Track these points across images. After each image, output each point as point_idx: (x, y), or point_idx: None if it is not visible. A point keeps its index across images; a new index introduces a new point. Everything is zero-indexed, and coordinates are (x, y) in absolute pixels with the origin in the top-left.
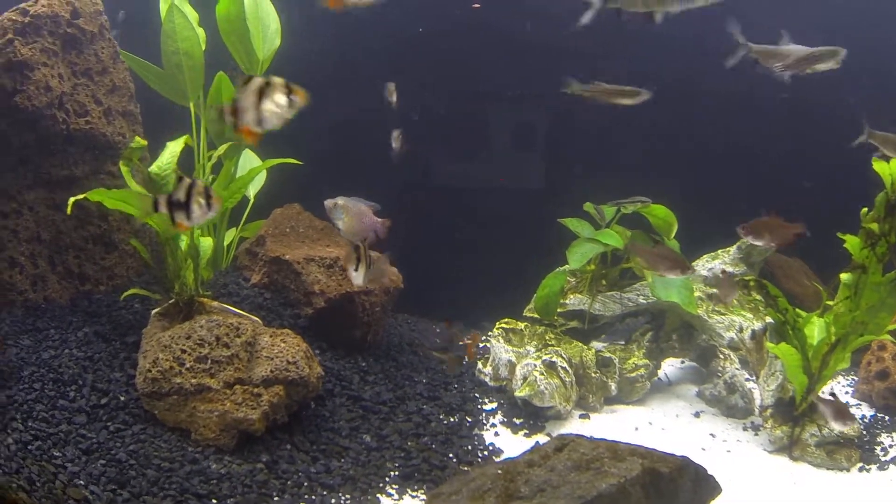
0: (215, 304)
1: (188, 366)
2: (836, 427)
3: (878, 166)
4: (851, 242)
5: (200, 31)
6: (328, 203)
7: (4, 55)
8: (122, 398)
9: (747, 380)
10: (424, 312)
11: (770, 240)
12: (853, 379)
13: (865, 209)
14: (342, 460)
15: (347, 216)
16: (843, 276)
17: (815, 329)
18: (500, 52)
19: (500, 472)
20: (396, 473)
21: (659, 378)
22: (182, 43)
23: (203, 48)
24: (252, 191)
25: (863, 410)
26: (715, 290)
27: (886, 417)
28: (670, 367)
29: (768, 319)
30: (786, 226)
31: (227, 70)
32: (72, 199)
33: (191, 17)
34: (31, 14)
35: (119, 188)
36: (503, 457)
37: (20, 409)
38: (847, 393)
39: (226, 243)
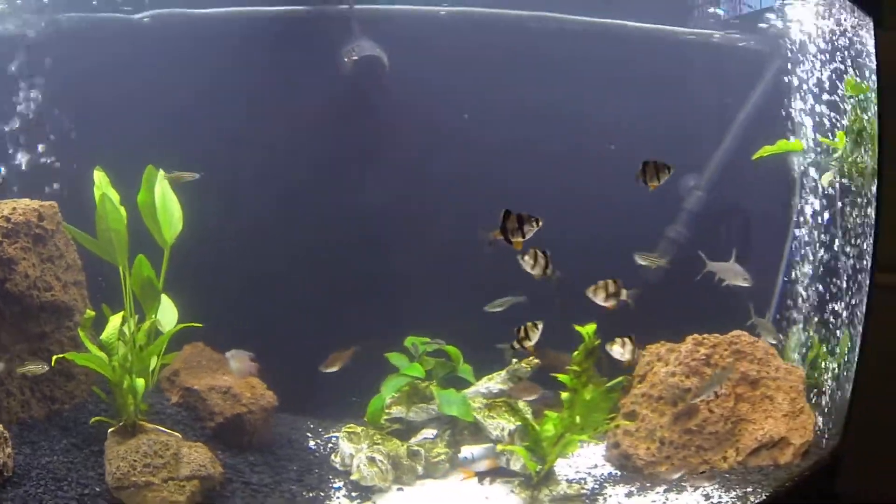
0: (150, 426)
1: (139, 469)
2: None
3: (580, 328)
4: (563, 378)
5: (123, 211)
6: (228, 354)
7: None
8: (98, 489)
9: None
10: (296, 409)
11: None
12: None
13: (576, 352)
14: None
15: (235, 362)
16: (563, 395)
17: (551, 425)
18: None
19: None
20: None
21: (465, 457)
22: (111, 223)
23: (126, 223)
24: (167, 328)
25: (605, 470)
26: (489, 402)
27: (618, 474)
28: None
29: (517, 422)
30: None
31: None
32: (54, 357)
33: (115, 199)
34: (12, 221)
35: (75, 339)
36: None
37: (34, 498)
38: (603, 456)
39: (151, 368)
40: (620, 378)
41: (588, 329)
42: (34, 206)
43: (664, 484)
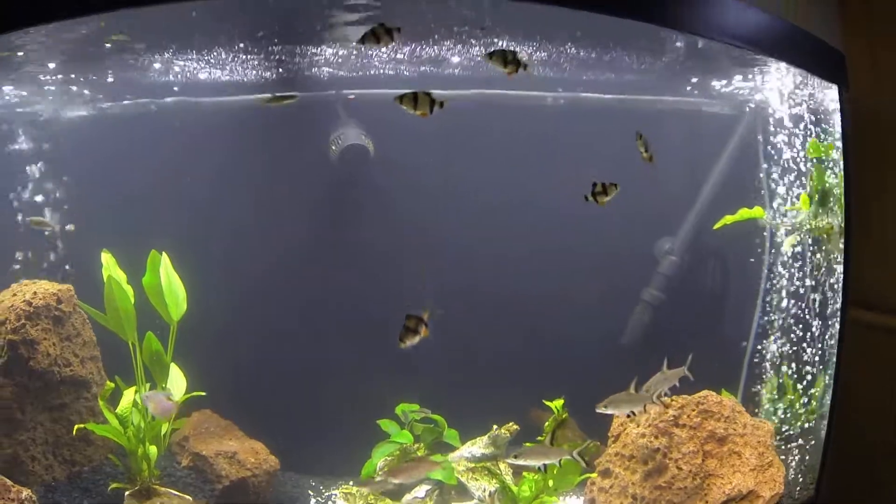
0: (162, 489)
1: None
2: None
3: (548, 402)
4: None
5: (130, 290)
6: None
7: (21, 334)
8: None
9: None
10: (300, 468)
11: None
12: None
13: (548, 422)
14: None
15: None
16: None
17: (527, 487)
18: None
19: None
20: None
21: None
22: (119, 302)
23: (133, 302)
24: (177, 397)
25: None
26: (473, 465)
27: None
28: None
29: (496, 484)
30: None
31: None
32: (76, 427)
33: (122, 279)
34: (34, 305)
35: (93, 409)
36: None
37: None
38: None
39: (163, 433)
40: (589, 442)
41: (556, 403)
42: (52, 289)
43: None
